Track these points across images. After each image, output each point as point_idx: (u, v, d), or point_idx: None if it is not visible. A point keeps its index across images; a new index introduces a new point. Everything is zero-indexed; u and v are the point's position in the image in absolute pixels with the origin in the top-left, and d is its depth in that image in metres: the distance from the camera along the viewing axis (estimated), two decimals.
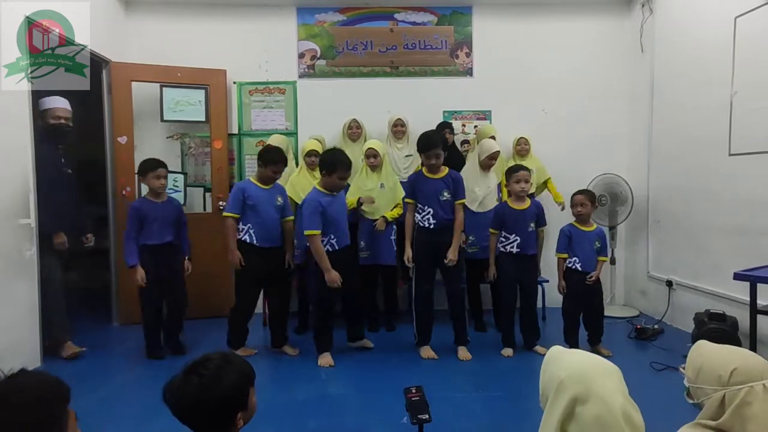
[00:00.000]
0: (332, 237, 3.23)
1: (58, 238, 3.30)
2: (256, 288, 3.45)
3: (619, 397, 1.11)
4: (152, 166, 3.34)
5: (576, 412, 1.11)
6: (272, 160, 3.32)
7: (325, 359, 3.25)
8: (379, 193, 3.83)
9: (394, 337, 3.81)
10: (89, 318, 4.39)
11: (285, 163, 3.44)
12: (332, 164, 3.16)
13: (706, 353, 1.26)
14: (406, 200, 3.42)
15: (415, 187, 3.36)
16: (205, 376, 1.17)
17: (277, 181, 3.47)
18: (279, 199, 3.41)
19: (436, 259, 3.32)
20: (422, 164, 3.40)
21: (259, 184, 3.37)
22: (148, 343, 3.41)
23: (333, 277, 3.14)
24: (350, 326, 3.53)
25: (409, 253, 3.34)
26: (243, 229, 3.32)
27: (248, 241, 3.31)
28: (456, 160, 4.18)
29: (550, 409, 1.16)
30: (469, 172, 3.81)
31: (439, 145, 3.28)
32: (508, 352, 3.41)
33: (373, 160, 3.83)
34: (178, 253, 3.45)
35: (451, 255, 3.24)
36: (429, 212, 3.29)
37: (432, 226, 3.28)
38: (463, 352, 3.37)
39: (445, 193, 3.28)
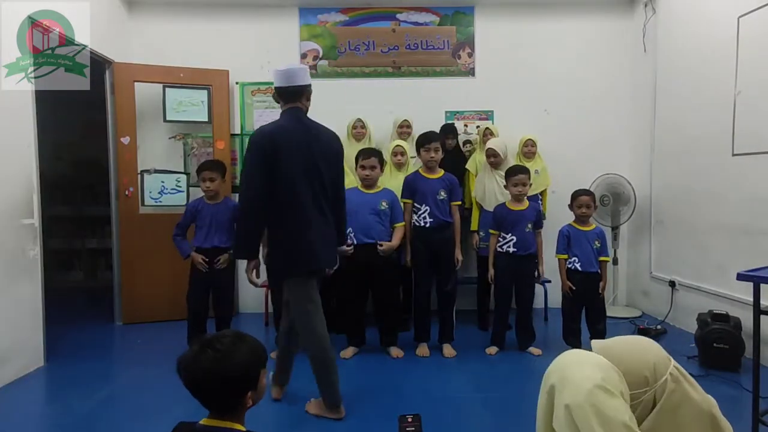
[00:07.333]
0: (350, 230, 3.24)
1: None
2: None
3: (589, 384, 1.01)
4: (200, 167, 3.42)
5: (555, 405, 1.05)
6: None
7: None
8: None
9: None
10: (92, 317, 4.42)
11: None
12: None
13: (616, 358, 1.13)
14: (404, 201, 3.42)
15: (412, 186, 3.38)
16: (219, 350, 1.19)
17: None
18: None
19: (434, 258, 3.35)
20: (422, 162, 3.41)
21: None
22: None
23: None
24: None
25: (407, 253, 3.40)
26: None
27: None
28: (458, 162, 4.19)
29: (538, 408, 1.13)
30: (481, 176, 3.94)
31: (438, 139, 3.38)
32: (492, 350, 3.43)
33: (400, 157, 3.78)
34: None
35: (458, 255, 3.40)
36: (426, 210, 3.32)
37: (428, 225, 3.32)
38: (448, 350, 3.40)
39: (442, 193, 3.33)
